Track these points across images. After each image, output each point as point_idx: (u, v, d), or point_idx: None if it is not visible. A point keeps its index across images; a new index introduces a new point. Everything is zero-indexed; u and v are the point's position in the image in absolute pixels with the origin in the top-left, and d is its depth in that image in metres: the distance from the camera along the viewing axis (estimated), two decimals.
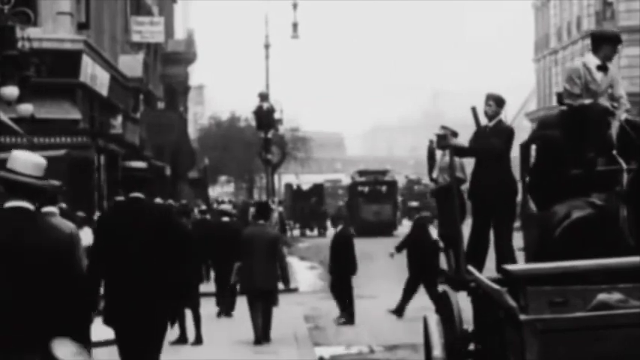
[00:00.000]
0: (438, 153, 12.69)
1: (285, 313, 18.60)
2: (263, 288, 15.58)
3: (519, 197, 10.66)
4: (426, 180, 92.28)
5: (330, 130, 66.09)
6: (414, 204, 22.32)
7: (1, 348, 4.67)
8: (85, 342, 5.12)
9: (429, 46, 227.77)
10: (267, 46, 48.94)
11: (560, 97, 9.81)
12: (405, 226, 59.12)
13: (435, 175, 12.80)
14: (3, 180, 5.63)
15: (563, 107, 9.63)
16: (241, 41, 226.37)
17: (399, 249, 20.40)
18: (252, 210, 27.12)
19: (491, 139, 11.32)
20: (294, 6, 49.91)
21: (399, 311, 19.12)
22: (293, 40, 51.28)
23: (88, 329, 7.91)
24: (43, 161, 5.79)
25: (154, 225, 8.77)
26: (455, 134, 11.93)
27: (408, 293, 19.34)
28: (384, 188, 57.36)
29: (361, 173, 60.19)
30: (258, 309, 15.64)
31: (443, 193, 11.73)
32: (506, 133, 11.54)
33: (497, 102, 11.60)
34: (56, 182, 9.82)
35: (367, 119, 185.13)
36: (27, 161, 5.69)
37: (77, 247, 9.20)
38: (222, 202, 35.94)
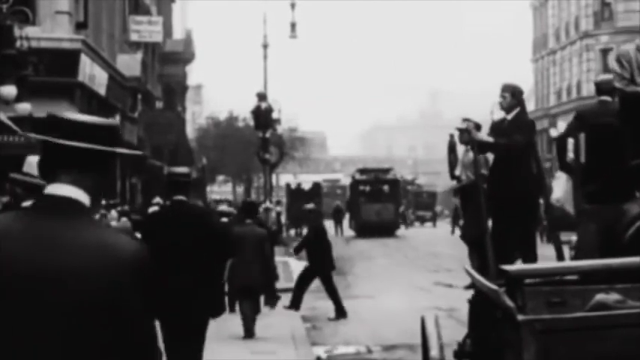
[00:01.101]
0: (460, 148, 12.05)
1: (283, 313, 18.61)
2: (250, 286, 15.93)
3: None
4: (420, 180, 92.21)
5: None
6: (309, 206, 22.78)
7: None
8: None
9: (428, 46, 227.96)
10: (265, 46, 48.93)
11: (598, 87, 9.32)
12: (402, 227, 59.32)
13: (457, 172, 12.10)
14: (21, 182, 5.91)
15: (604, 97, 9.03)
16: (239, 41, 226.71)
17: (297, 250, 21.20)
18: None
19: (515, 134, 10.64)
20: (293, 6, 49.90)
21: (295, 305, 19.40)
22: (291, 40, 51.28)
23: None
24: None
25: (197, 226, 9.28)
26: (478, 127, 11.24)
27: (304, 286, 19.69)
28: (385, 187, 55.48)
29: (362, 171, 58.58)
30: (247, 306, 16.00)
31: (466, 192, 11.25)
32: (528, 126, 10.91)
33: (512, 93, 10.97)
34: None
35: (365, 119, 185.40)
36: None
37: None
38: (221, 201, 35.95)
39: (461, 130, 11.11)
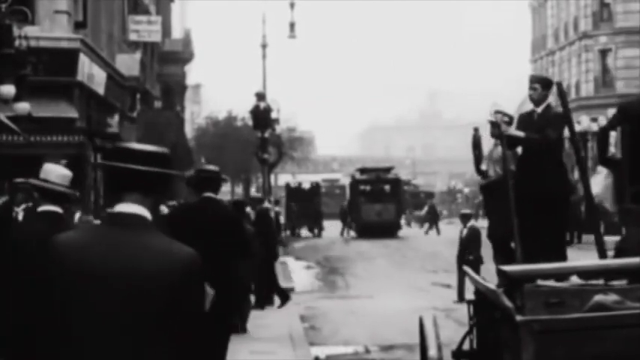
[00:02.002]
0: (486, 142, 11.42)
1: (281, 313, 18.62)
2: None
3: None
4: (416, 181, 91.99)
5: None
6: (257, 195, 23.31)
7: None
8: None
9: (426, 46, 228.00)
10: (264, 46, 48.90)
11: None
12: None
13: (484, 167, 11.49)
14: (39, 187, 6.61)
15: None
16: (238, 41, 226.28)
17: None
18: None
19: (546, 129, 10.12)
20: (292, 5, 49.87)
21: (283, 298, 19.61)
22: (290, 40, 51.26)
23: None
24: (70, 173, 6.96)
25: (224, 222, 9.79)
26: (510, 121, 10.73)
27: (274, 277, 19.97)
28: (386, 187, 53.76)
29: (362, 171, 57.13)
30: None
31: (493, 189, 10.74)
32: (558, 120, 10.23)
33: (543, 84, 10.47)
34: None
35: (364, 119, 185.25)
36: (59, 173, 6.82)
37: None
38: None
39: (492, 123, 10.52)
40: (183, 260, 3.95)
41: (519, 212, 9.58)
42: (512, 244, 9.72)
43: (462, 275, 20.30)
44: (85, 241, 3.97)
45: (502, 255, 10.81)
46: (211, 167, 10.60)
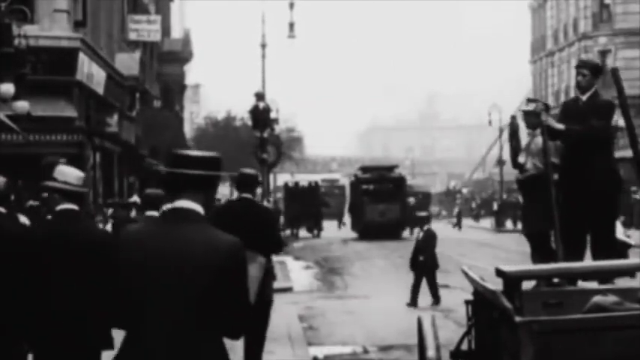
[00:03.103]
0: (523, 133, 10.70)
1: (279, 313, 18.61)
2: None
3: None
4: (417, 181, 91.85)
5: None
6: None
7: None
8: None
9: (426, 46, 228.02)
10: (263, 46, 48.93)
11: None
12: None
13: (521, 159, 10.68)
14: (59, 189, 7.39)
15: None
16: (237, 40, 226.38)
17: None
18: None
19: (592, 118, 9.43)
20: (291, 5, 49.91)
21: None
22: (289, 40, 51.29)
23: None
24: (83, 174, 7.83)
25: (261, 220, 10.70)
26: (547, 107, 10.06)
27: None
28: (390, 186, 51.24)
29: (365, 170, 55.07)
30: None
31: (532, 183, 10.05)
32: (605, 109, 9.58)
33: (593, 70, 9.67)
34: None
35: (363, 119, 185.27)
36: (76, 175, 7.63)
37: None
38: (219, 201, 35.89)
39: (527, 113, 9.91)
40: (229, 246, 4.88)
41: (563, 208, 9.11)
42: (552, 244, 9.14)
43: (417, 279, 20.42)
44: (151, 230, 5.07)
45: (541, 254, 10.27)
46: (250, 171, 11.37)
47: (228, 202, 17.94)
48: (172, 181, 4.99)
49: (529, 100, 10.34)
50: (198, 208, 4.95)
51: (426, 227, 21.50)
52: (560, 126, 9.54)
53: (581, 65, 9.73)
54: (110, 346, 7.34)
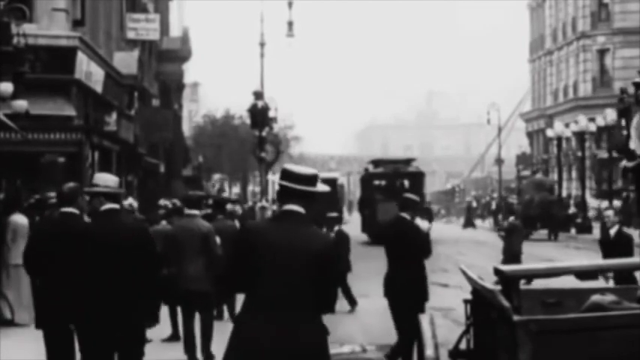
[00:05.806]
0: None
1: None
2: (195, 290, 13.20)
3: None
4: None
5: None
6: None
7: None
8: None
9: (425, 45, 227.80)
10: (262, 45, 48.95)
11: None
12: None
13: (632, 145, 9.68)
14: (104, 193, 8.79)
15: None
16: (236, 39, 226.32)
17: None
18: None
19: None
20: (290, 4, 49.93)
21: None
22: (288, 39, 51.29)
23: None
24: (117, 178, 9.31)
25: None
26: None
27: None
28: (406, 182, 45.00)
29: (377, 163, 49.00)
30: (192, 316, 13.38)
31: None
32: None
33: None
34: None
35: (362, 118, 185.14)
36: (114, 179, 9.09)
37: None
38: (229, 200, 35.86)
39: None
40: (326, 241, 6.60)
41: None
42: None
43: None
44: (268, 226, 6.71)
45: None
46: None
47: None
48: (285, 192, 6.58)
49: None
50: (302, 211, 6.53)
51: (336, 228, 21.31)
52: None
53: None
54: (156, 321, 9.66)
